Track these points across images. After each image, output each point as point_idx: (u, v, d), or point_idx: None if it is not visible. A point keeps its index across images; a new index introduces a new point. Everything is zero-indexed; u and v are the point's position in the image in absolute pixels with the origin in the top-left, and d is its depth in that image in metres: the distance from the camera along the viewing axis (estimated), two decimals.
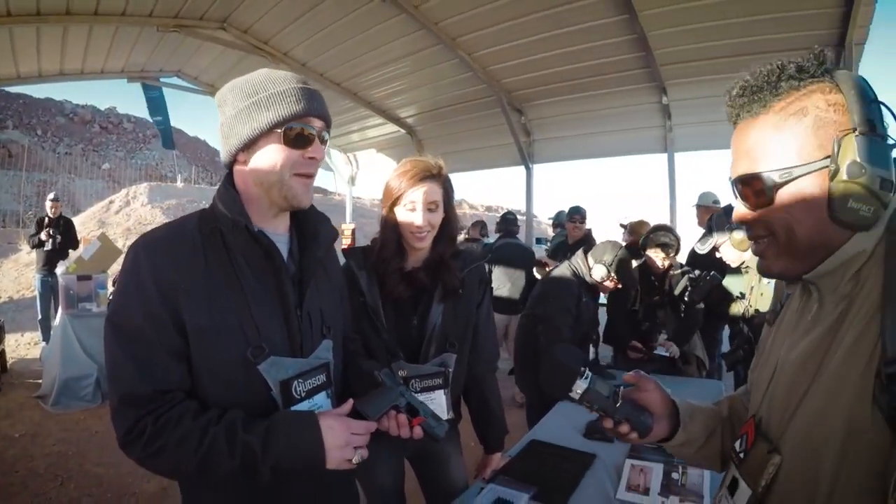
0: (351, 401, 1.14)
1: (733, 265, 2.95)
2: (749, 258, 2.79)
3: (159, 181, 17.61)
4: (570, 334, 2.83)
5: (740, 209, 0.78)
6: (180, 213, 7.91)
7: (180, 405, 0.99)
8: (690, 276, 3.37)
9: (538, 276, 4.14)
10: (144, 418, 0.96)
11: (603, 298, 3.31)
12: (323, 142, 1.10)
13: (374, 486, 1.75)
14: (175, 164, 23.54)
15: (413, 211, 1.59)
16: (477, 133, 7.43)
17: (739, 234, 2.75)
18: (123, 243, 10.12)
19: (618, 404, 1.01)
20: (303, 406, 1.11)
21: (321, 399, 1.17)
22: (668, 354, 3.20)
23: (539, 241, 5.90)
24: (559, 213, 6.32)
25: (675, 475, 1.77)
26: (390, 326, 1.62)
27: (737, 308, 2.88)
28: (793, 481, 0.72)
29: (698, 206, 4.74)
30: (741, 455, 0.86)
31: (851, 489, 0.62)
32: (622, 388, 1.04)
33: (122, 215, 13.60)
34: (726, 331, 3.84)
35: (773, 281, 2.63)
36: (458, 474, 1.87)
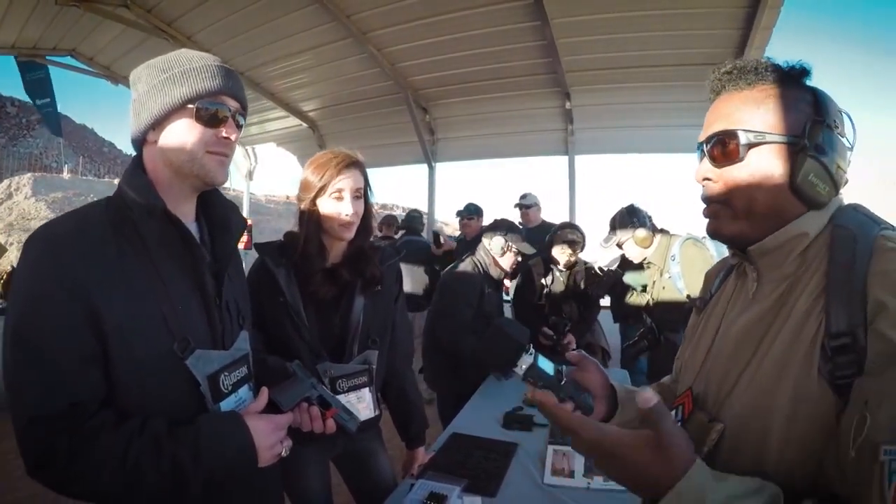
0: (266, 392, 1.11)
1: (636, 261, 3.14)
2: (651, 254, 2.99)
3: (44, 172, 15.67)
4: (469, 326, 2.84)
5: (705, 167, 0.85)
6: (67, 207, 7.11)
7: (96, 417, 0.90)
8: (593, 271, 3.57)
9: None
10: (57, 437, 0.86)
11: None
12: (238, 126, 1.08)
13: (300, 490, 1.68)
14: (61, 153, 20.95)
15: (340, 200, 1.55)
16: (381, 130, 7.34)
17: (642, 233, 2.94)
18: (6, 240, 9.27)
19: (563, 382, 1.01)
20: (230, 400, 1.08)
21: (244, 392, 1.14)
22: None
23: (450, 238, 6.00)
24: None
25: None
26: (312, 326, 1.57)
27: (640, 300, 3.08)
28: (740, 443, 0.78)
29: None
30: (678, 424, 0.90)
31: (798, 440, 0.71)
32: (564, 367, 1.05)
33: (3, 209, 12.04)
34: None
35: (673, 275, 2.88)
36: (386, 472, 1.85)
